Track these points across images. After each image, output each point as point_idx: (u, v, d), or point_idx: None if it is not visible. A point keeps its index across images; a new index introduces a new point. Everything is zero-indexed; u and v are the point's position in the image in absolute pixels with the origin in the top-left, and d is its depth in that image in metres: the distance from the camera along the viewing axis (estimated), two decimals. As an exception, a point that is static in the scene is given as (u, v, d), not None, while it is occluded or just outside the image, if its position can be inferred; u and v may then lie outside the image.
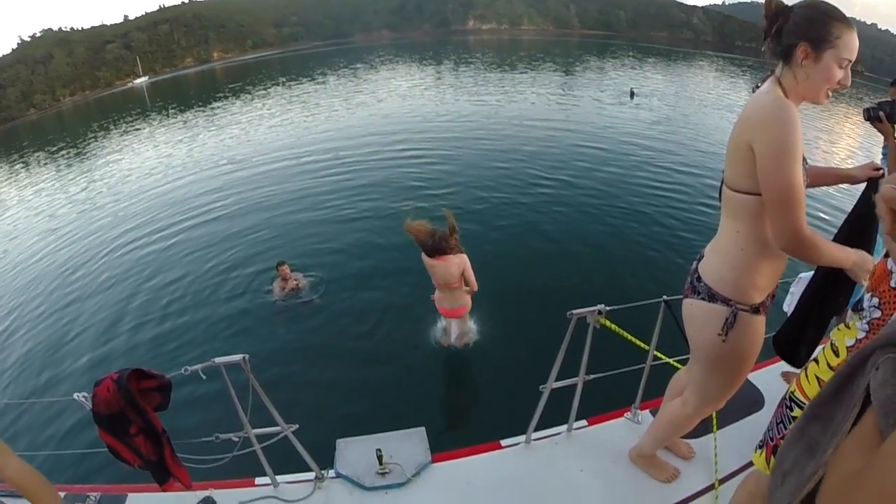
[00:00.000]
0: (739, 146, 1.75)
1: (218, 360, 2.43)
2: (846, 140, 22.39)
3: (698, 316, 2.04)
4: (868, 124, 2.84)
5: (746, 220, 1.86)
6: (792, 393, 1.93)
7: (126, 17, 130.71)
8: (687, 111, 24.37)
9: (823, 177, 2.31)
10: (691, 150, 16.31)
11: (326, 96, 34.87)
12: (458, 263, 5.26)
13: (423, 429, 3.10)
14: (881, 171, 2.27)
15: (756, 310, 1.97)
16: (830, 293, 2.43)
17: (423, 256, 5.19)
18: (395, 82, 39.54)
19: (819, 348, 2.08)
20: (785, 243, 1.72)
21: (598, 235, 9.82)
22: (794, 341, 2.53)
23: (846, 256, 1.81)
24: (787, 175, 1.65)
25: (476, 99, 27.82)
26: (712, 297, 1.98)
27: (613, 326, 2.82)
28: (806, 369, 1.97)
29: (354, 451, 2.97)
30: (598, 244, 9.44)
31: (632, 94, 27.28)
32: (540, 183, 12.71)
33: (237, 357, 2.42)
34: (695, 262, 2.13)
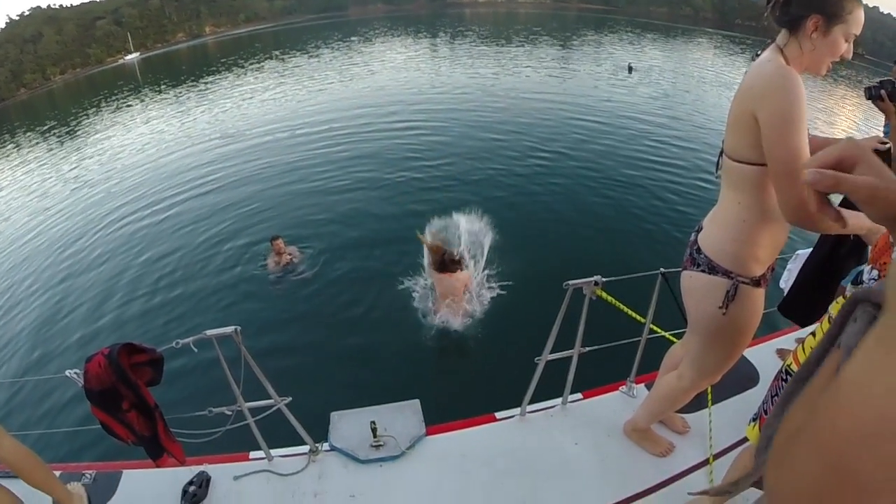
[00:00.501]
0: (742, 115, 1.71)
1: (209, 332, 2.40)
2: (845, 122, 22.28)
3: (698, 288, 2.01)
4: (869, 105, 2.81)
5: (748, 191, 1.82)
6: (788, 366, 1.92)
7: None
8: (685, 87, 24.21)
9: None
10: (689, 126, 16.23)
11: (320, 69, 34.51)
12: (463, 280, 5.46)
13: (417, 401, 3.09)
14: (888, 145, 2.23)
15: (757, 282, 1.94)
16: (840, 258, 2.42)
17: (430, 270, 5.43)
18: (390, 55, 39.14)
19: (816, 324, 2.07)
20: (791, 215, 1.67)
21: (595, 207, 9.83)
22: (804, 304, 2.52)
23: (860, 223, 1.78)
24: (794, 145, 1.60)
25: (472, 72, 27.58)
26: (712, 269, 1.95)
27: (610, 298, 2.79)
28: (802, 342, 1.96)
29: (348, 424, 2.97)
30: (596, 216, 9.44)
31: (630, 70, 27.07)
32: (536, 155, 12.68)
33: (229, 329, 2.39)
34: (693, 234, 2.09)
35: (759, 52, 1.82)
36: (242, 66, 44.23)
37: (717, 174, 2.01)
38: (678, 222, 9.20)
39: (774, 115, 1.61)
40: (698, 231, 2.08)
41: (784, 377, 1.90)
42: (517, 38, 48.21)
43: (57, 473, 2.68)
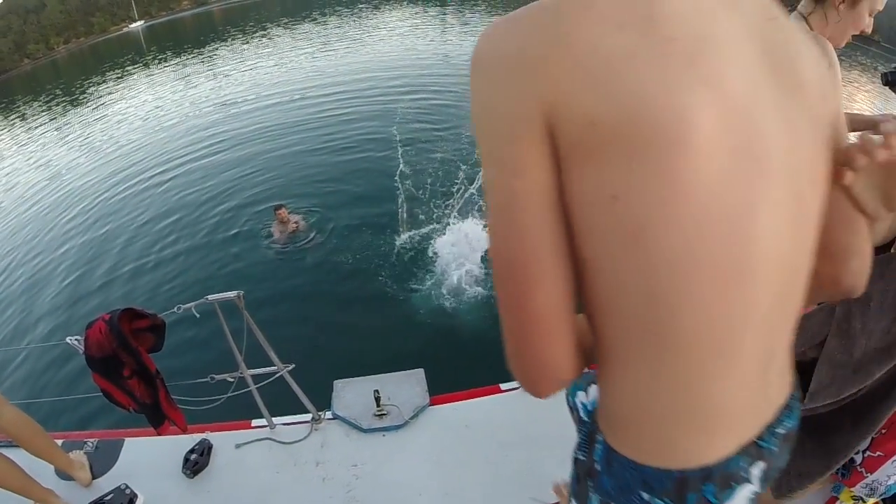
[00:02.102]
0: None
1: (211, 297, 2.38)
2: (861, 108, 21.83)
3: None
4: (885, 92, 2.74)
5: None
6: None
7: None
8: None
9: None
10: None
11: (326, 36, 34.11)
12: None
13: (421, 370, 3.07)
14: None
15: None
16: None
17: None
18: (397, 22, 38.57)
19: None
20: None
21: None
22: None
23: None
24: None
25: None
26: None
27: None
28: None
29: (351, 393, 2.95)
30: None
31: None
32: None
33: (231, 294, 2.37)
34: None
35: None
36: (248, 34, 43.84)
37: None
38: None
39: None
40: None
41: None
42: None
43: (59, 442, 2.68)
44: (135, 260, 8.55)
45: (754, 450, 0.80)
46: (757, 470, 0.82)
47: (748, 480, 0.80)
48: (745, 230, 0.63)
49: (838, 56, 1.57)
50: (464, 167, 9.32)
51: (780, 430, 0.84)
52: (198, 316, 2.33)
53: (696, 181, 0.58)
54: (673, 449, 0.76)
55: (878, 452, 1.68)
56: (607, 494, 0.84)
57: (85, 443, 2.92)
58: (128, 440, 2.94)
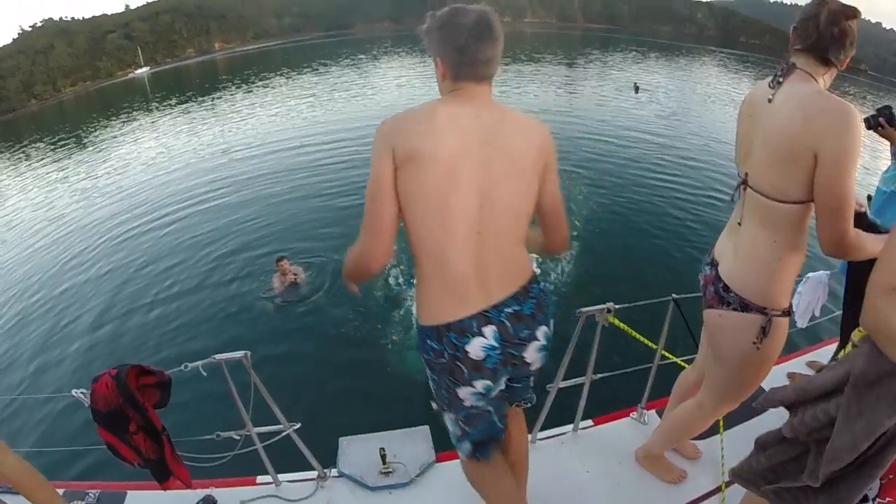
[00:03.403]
0: (799, 154, 1.63)
1: (218, 356, 2.38)
2: None
3: (730, 326, 1.97)
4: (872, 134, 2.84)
5: (786, 230, 1.78)
6: None
7: (127, 6, 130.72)
8: (691, 105, 24.38)
9: None
10: (695, 144, 16.32)
11: (327, 87, 34.83)
12: None
13: (426, 427, 3.05)
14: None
15: (787, 312, 1.93)
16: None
17: None
18: (396, 73, 39.45)
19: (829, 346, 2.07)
20: (834, 249, 1.67)
21: (602, 227, 9.84)
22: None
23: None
24: (851, 182, 1.59)
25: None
26: (745, 306, 1.91)
27: (622, 325, 2.77)
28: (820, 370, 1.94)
29: (357, 450, 2.93)
30: (603, 236, 9.46)
31: (636, 89, 27.17)
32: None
33: (238, 354, 2.37)
34: (708, 269, 2.07)
35: (780, 79, 1.76)
36: (251, 83, 44.81)
37: (733, 201, 1.99)
38: (687, 239, 9.22)
39: (841, 151, 1.56)
40: (713, 264, 2.05)
41: None
42: (523, 58, 48.55)
43: (60, 491, 2.63)
44: (134, 306, 8.57)
45: (482, 318, 1.61)
46: (488, 330, 1.61)
47: (480, 335, 1.59)
48: (448, 202, 1.53)
49: (830, 90, 1.72)
50: None
51: (507, 310, 1.64)
52: (205, 374, 2.33)
53: (429, 179, 1.51)
54: (439, 314, 1.62)
55: (887, 499, 1.68)
56: (424, 354, 1.71)
57: (87, 493, 2.87)
58: (130, 493, 2.89)
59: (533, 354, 1.72)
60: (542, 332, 1.72)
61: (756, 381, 2.13)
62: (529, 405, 2.08)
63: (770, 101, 1.75)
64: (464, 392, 1.70)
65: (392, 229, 1.57)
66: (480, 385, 1.67)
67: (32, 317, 9.28)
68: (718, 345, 2.08)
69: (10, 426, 6.11)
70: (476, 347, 1.58)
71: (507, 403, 2.00)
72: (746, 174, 1.85)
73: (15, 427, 6.10)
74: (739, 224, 1.93)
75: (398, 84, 32.41)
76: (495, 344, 1.60)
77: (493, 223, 1.58)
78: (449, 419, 1.92)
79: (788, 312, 1.94)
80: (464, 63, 1.59)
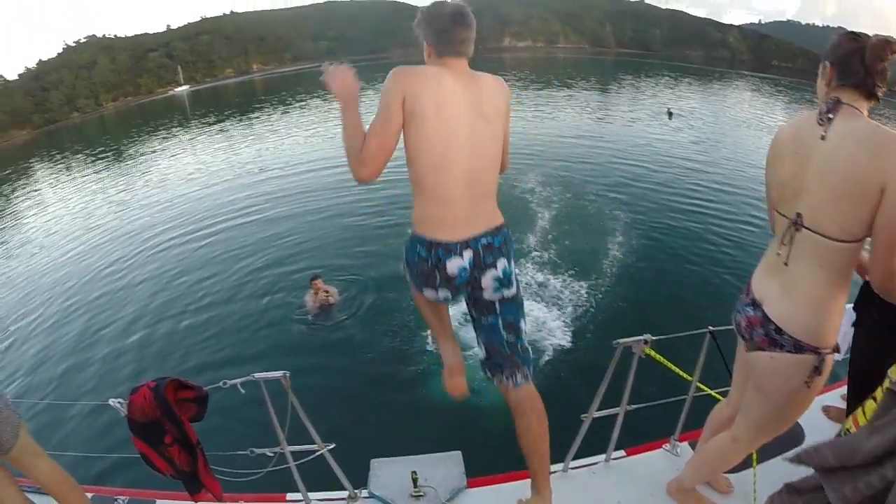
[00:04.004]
0: (865, 190, 1.61)
1: (258, 375, 2.41)
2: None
3: (782, 368, 1.93)
4: None
5: (842, 268, 1.76)
6: (847, 430, 1.85)
7: (168, 26, 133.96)
8: (725, 132, 24.15)
9: None
10: (730, 171, 16.17)
11: (362, 109, 35.26)
12: None
13: (459, 453, 3.03)
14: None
15: (836, 349, 1.89)
16: None
17: None
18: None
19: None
20: (888, 283, 1.67)
21: (638, 252, 9.76)
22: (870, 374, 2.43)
23: None
24: None
25: (512, 115, 27.85)
26: (799, 348, 1.87)
27: (658, 357, 2.74)
28: (864, 406, 1.97)
29: (389, 472, 2.91)
30: (639, 262, 9.39)
31: (670, 115, 27.02)
32: (580, 202, 12.69)
33: (278, 374, 2.40)
34: (750, 310, 2.02)
35: (828, 116, 1.73)
36: (288, 104, 45.79)
37: (780, 250, 1.91)
38: (723, 265, 9.11)
39: None
40: (755, 305, 1.99)
41: None
42: (557, 83, 48.71)
43: (89, 496, 2.65)
44: (166, 316, 8.74)
45: (464, 244, 1.99)
46: (467, 253, 2.01)
47: (460, 256, 1.98)
48: (452, 152, 1.95)
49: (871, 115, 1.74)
50: None
51: (483, 241, 2.02)
52: (243, 392, 2.36)
53: (433, 136, 1.94)
54: (432, 231, 1.99)
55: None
56: (410, 255, 2.11)
57: (115, 499, 2.90)
58: (159, 501, 2.92)
59: (488, 281, 2.09)
60: (501, 263, 2.09)
61: (797, 416, 2.10)
62: (521, 369, 2.31)
63: (823, 138, 1.71)
64: (428, 293, 2.15)
65: (386, 156, 2.00)
66: (442, 294, 2.12)
67: (67, 321, 9.52)
68: (767, 386, 2.03)
69: (45, 428, 6.20)
70: (453, 266, 2.02)
71: (492, 375, 2.38)
72: (799, 215, 1.80)
73: (49, 429, 6.21)
74: (786, 264, 1.88)
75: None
76: (467, 266, 2.03)
77: (478, 172, 2.04)
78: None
79: (838, 348, 1.90)
80: (446, 42, 2.05)
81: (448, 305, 2.38)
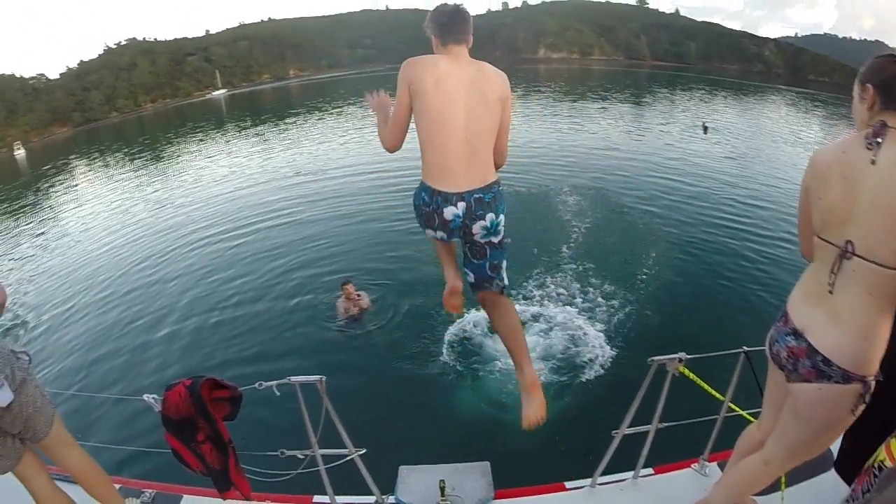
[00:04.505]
0: None
1: (294, 378, 2.44)
2: None
3: (830, 399, 1.88)
4: None
5: (891, 295, 1.71)
6: (881, 461, 1.84)
7: (207, 31, 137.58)
8: (761, 147, 23.70)
9: None
10: (767, 187, 15.85)
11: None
12: None
13: (487, 464, 3.02)
14: None
15: (880, 375, 1.85)
16: None
17: None
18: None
19: None
20: None
21: (672, 267, 9.66)
22: None
23: None
24: None
25: (547, 126, 28.01)
26: (847, 378, 1.82)
27: (692, 375, 2.70)
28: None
29: (417, 480, 2.92)
30: (673, 277, 9.28)
31: (705, 129, 26.62)
32: (615, 214, 12.62)
33: (314, 378, 2.43)
34: (792, 340, 1.95)
35: (877, 140, 1.70)
36: (323, 110, 46.32)
37: (825, 279, 1.84)
38: (759, 283, 8.97)
39: None
40: (797, 335, 1.93)
41: (877, 473, 1.83)
42: (591, 95, 48.46)
43: (116, 486, 2.71)
44: (197, 314, 8.90)
45: (459, 196, 2.37)
46: (460, 204, 2.38)
47: (454, 206, 2.36)
48: (449, 122, 2.37)
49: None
50: (536, 250, 9.48)
51: (476, 195, 2.38)
52: (278, 394, 2.40)
53: (433, 104, 2.38)
54: (434, 181, 2.41)
55: None
56: (417, 199, 2.49)
57: (142, 492, 2.95)
58: (186, 496, 2.97)
59: (477, 229, 2.46)
60: (489, 216, 2.45)
61: (833, 441, 2.09)
62: (497, 290, 2.64)
63: (874, 162, 1.68)
64: (429, 233, 2.57)
65: (403, 131, 2.55)
66: (440, 234, 2.52)
67: (100, 314, 9.78)
68: (813, 416, 1.98)
69: (76, 419, 6.30)
70: (449, 212, 2.40)
71: (475, 292, 2.69)
72: (849, 242, 1.74)
73: (80, 420, 6.32)
74: (831, 292, 1.82)
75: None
76: (460, 214, 2.41)
77: (474, 134, 2.40)
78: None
79: (879, 374, 1.86)
80: (447, 32, 2.49)
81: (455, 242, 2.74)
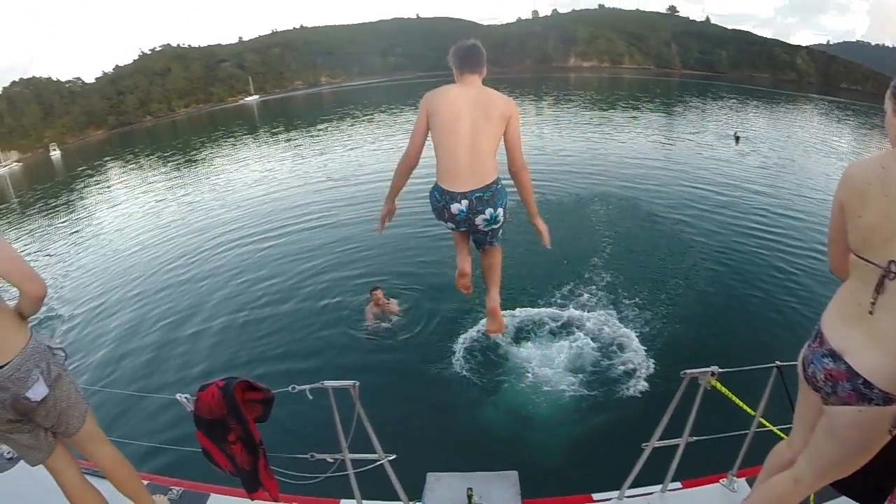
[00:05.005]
0: None
1: (328, 383, 2.47)
2: None
3: (870, 421, 1.83)
4: None
5: None
6: None
7: (240, 38, 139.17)
8: (793, 157, 23.28)
9: None
10: (799, 198, 15.59)
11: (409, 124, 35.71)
12: None
13: (515, 473, 3.00)
14: None
15: None
16: None
17: None
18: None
19: None
20: None
21: (704, 279, 9.55)
22: None
23: None
24: None
25: (576, 134, 28.01)
26: (889, 400, 1.77)
27: (723, 389, 2.67)
28: None
29: (444, 487, 2.91)
30: (705, 288, 9.18)
31: (737, 139, 26.23)
32: (646, 224, 12.53)
33: (348, 383, 2.46)
34: (830, 362, 1.89)
35: None
36: (354, 116, 46.65)
37: (865, 299, 1.79)
38: (793, 294, 8.82)
39: None
40: (835, 357, 1.87)
41: None
42: (622, 105, 48.08)
43: (144, 483, 2.75)
44: (225, 314, 9.03)
45: (462, 195, 2.87)
46: (464, 202, 2.88)
47: (459, 203, 2.87)
48: (456, 132, 2.84)
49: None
50: (567, 260, 9.48)
51: (476, 194, 2.86)
52: (310, 398, 2.42)
53: (443, 113, 2.89)
54: (444, 182, 2.92)
55: None
56: (431, 197, 3.03)
57: (170, 489, 2.99)
58: (213, 495, 3.00)
59: (479, 221, 2.94)
60: (488, 210, 2.92)
61: (867, 461, 1.97)
62: (491, 246, 3.23)
63: None
64: (441, 223, 3.08)
65: (418, 145, 2.96)
66: (449, 225, 3.05)
67: (130, 310, 10.00)
68: (849, 437, 1.93)
69: (107, 415, 6.38)
70: (454, 208, 2.90)
71: (477, 246, 3.27)
72: (894, 262, 1.69)
73: (111, 416, 6.43)
74: (871, 313, 1.77)
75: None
76: (464, 209, 2.89)
77: (476, 142, 2.85)
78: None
79: None
80: (464, 64, 2.97)
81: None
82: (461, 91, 2.95)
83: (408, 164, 3.04)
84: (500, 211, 2.99)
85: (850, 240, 1.83)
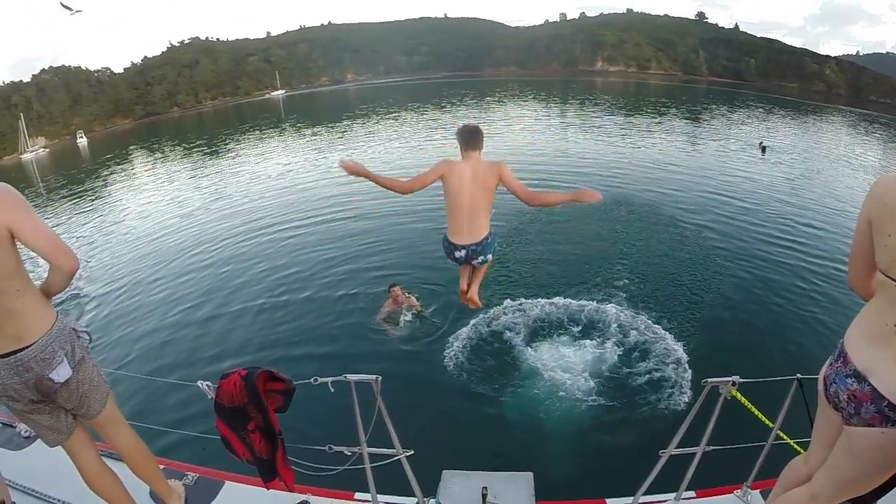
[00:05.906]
0: None
1: (350, 376, 2.48)
2: None
3: (893, 442, 1.81)
4: None
5: None
6: None
7: (268, 33, 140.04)
8: (820, 169, 22.92)
9: None
10: (825, 211, 15.32)
11: (454, 119, 35.61)
12: None
13: (531, 475, 2.99)
14: None
15: None
16: None
17: None
18: (519, 117, 39.76)
19: None
20: None
21: (727, 289, 9.44)
22: None
23: None
24: None
25: (599, 139, 27.73)
26: None
27: (743, 399, 2.64)
28: None
29: (459, 485, 2.92)
30: (728, 298, 9.08)
31: (763, 149, 25.85)
32: (669, 231, 12.40)
33: (370, 377, 2.48)
34: (854, 383, 1.85)
35: None
36: (380, 114, 46.66)
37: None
38: (817, 305, 8.72)
39: None
40: (860, 378, 1.83)
41: None
42: (647, 110, 47.61)
43: (160, 467, 2.78)
44: (245, 305, 9.13)
45: (462, 246, 3.78)
46: (463, 251, 3.80)
47: (459, 251, 3.82)
48: (459, 203, 3.69)
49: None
50: (588, 265, 9.52)
51: (472, 246, 3.79)
52: (332, 390, 2.44)
53: (452, 185, 3.68)
54: (451, 236, 3.81)
55: None
56: (443, 243, 3.92)
57: (185, 475, 3.03)
58: (228, 483, 3.03)
59: (474, 262, 3.84)
60: (480, 257, 3.78)
61: (884, 480, 1.96)
62: (480, 265, 3.98)
63: None
64: (450, 261, 3.87)
65: (416, 189, 3.67)
66: (452, 262, 3.90)
67: (150, 296, 10.17)
68: (870, 458, 1.90)
69: (126, 398, 6.49)
70: (457, 254, 3.76)
71: (469, 265, 4.02)
72: None
73: (130, 399, 6.54)
74: None
75: (521, 128, 32.47)
76: (463, 256, 3.75)
77: (473, 209, 3.64)
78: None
79: None
80: (467, 143, 3.68)
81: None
82: (465, 167, 3.66)
83: (399, 189, 3.68)
84: (489, 256, 3.86)
85: (877, 258, 1.78)
